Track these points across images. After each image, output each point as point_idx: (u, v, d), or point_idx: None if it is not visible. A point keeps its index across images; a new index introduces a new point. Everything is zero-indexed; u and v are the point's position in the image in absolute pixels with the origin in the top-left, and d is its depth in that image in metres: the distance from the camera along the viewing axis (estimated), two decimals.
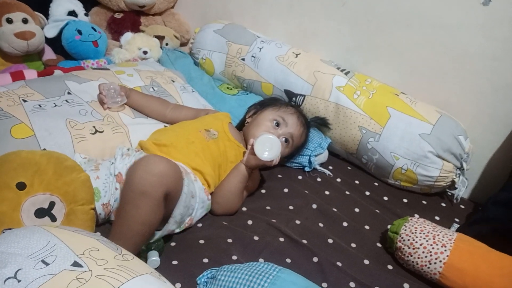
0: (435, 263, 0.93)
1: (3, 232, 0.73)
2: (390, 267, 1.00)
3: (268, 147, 1.03)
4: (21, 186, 0.82)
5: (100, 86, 1.15)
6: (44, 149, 0.98)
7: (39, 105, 1.08)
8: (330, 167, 1.32)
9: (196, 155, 1.05)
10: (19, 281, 0.54)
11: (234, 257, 0.94)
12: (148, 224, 0.85)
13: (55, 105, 1.10)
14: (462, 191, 1.22)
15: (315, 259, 0.96)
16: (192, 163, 1.03)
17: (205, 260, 0.92)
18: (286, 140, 1.17)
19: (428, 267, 0.94)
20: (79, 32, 1.48)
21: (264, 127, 1.16)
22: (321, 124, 1.33)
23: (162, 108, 1.22)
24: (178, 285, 0.85)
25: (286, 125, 1.17)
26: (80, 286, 0.54)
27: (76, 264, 0.57)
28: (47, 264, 0.56)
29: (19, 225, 0.79)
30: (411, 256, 0.96)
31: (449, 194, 1.28)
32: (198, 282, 0.75)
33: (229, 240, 0.98)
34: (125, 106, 1.18)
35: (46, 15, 1.51)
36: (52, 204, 0.84)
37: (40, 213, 0.82)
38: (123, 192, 0.87)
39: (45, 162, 0.86)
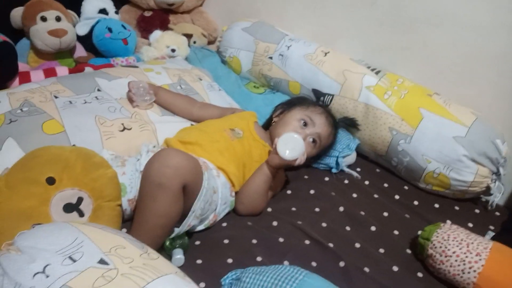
0: (468, 272, 0.89)
1: (32, 227, 0.74)
2: (420, 274, 0.97)
3: (290, 145, 1.01)
4: (50, 181, 0.83)
5: (129, 83, 1.16)
6: (74, 145, 0.99)
7: (70, 102, 1.09)
8: (358, 169, 1.29)
9: (220, 154, 1.05)
10: (47, 276, 0.55)
11: (259, 259, 0.93)
12: (166, 216, 0.86)
13: (85, 102, 1.11)
14: (498, 197, 1.16)
15: (342, 264, 0.94)
16: (216, 162, 1.03)
17: (229, 261, 0.91)
18: (314, 141, 1.15)
19: (461, 277, 0.90)
20: (109, 30, 1.50)
21: (291, 126, 1.14)
22: (350, 124, 1.30)
23: (189, 106, 1.22)
24: (202, 284, 0.84)
25: (313, 125, 1.15)
26: (106, 284, 0.54)
27: (102, 261, 0.57)
28: (74, 260, 0.57)
29: (48, 220, 0.80)
30: (443, 264, 0.92)
31: (483, 200, 1.23)
32: (223, 283, 0.74)
33: (254, 241, 0.97)
34: (153, 104, 1.19)
35: (78, 13, 1.53)
36: (80, 200, 0.85)
37: (69, 208, 0.84)
38: (141, 185, 0.89)
39: (74, 158, 0.88)
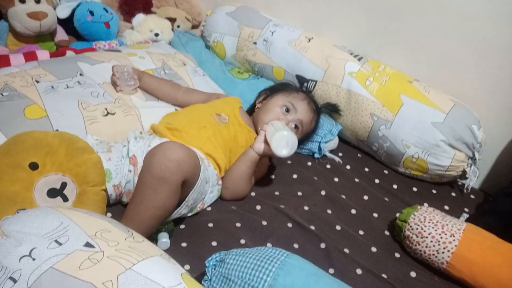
0: (443, 252, 0.93)
1: (17, 213, 0.74)
2: (397, 255, 1.01)
3: (284, 143, 1.01)
4: (33, 166, 0.83)
5: (113, 68, 1.15)
6: (57, 130, 0.99)
7: (52, 86, 1.08)
8: (340, 154, 1.32)
9: (208, 140, 1.06)
10: (33, 259, 0.55)
11: (243, 241, 0.95)
12: (164, 209, 0.88)
13: (68, 87, 1.10)
14: (473, 181, 1.21)
15: (323, 245, 0.97)
16: (204, 148, 1.04)
17: (214, 244, 0.93)
18: (296, 127, 1.16)
19: (436, 256, 0.94)
20: (91, 13, 1.48)
21: (274, 113, 1.15)
22: (332, 110, 1.32)
23: (174, 91, 1.22)
24: (187, 266, 0.86)
25: (295, 111, 1.16)
26: (92, 266, 0.55)
27: (88, 244, 0.58)
28: (60, 244, 0.58)
29: (32, 205, 0.81)
30: (419, 245, 0.96)
31: (460, 184, 1.27)
32: (207, 264, 0.76)
33: (238, 225, 0.99)
34: (137, 89, 1.19)
35: None
36: (64, 185, 0.85)
37: (53, 193, 0.84)
38: (141, 176, 0.89)
39: (57, 143, 0.87)
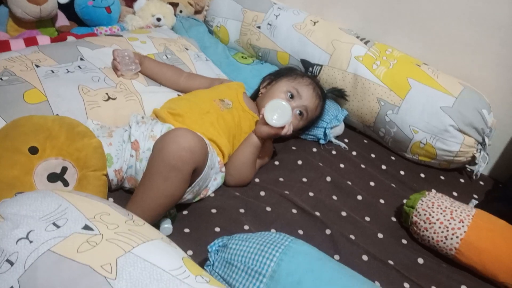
0: (451, 238, 0.91)
1: (15, 196, 0.73)
2: (404, 241, 0.99)
3: (278, 112, 1.00)
4: (33, 150, 0.81)
5: (114, 52, 1.13)
6: (57, 115, 0.97)
7: (52, 71, 1.06)
8: (346, 140, 1.29)
9: (211, 125, 1.04)
10: (30, 242, 0.54)
11: (246, 227, 0.93)
12: (172, 197, 0.86)
13: (68, 71, 1.08)
14: (483, 167, 1.18)
15: (328, 232, 0.95)
16: (207, 134, 1.02)
17: (217, 229, 0.92)
18: (300, 113, 1.14)
19: (444, 243, 0.92)
20: None
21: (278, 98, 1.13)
22: (338, 95, 1.30)
23: (176, 76, 1.20)
24: (190, 252, 0.85)
25: (300, 97, 1.13)
26: (91, 249, 0.53)
27: (87, 227, 0.57)
28: (58, 226, 0.56)
29: (32, 189, 0.79)
30: (427, 231, 0.94)
31: (469, 170, 1.25)
32: (209, 250, 0.75)
33: (241, 210, 0.97)
34: (138, 74, 1.16)
35: None
36: (64, 169, 0.84)
37: (53, 177, 0.82)
38: (152, 163, 0.87)
39: (57, 127, 0.86)
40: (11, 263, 0.52)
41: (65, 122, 0.89)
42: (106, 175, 0.90)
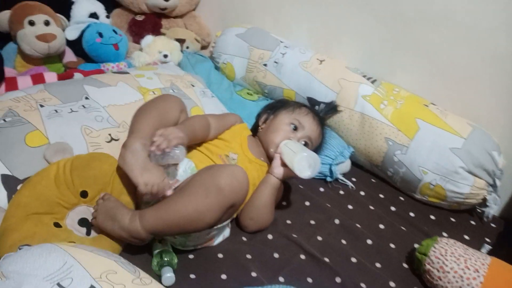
0: None
1: (19, 249, 0.70)
2: None
3: (307, 164, 0.98)
4: (84, 194, 0.89)
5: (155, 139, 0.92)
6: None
7: (55, 110, 1.05)
8: (354, 179, 1.27)
9: None
10: None
11: (254, 274, 0.90)
12: (199, 217, 0.83)
13: (72, 111, 1.07)
14: (494, 209, 1.16)
15: (338, 280, 0.92)
16: None
17: (223, 276, 0.89)
18: (306, 144, 1.12)
19: None
20: (100, 34, 1.47)
21: (282, 132, 1.10)
22: (332, 109, 1.29)
23: (206, 135, 1.08)
24: None
25: (303, 128, 1.12)
26: None
27: None
28: (63, 287, 0.54)
29: (62, 221, 0.86)
30: (441, 280, 0.91)
31: (479, 211, 1.22)
32: None
33: (248, 256, 0.95)
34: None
35: (68, 17, 1.49)
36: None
37: (84, 222, 0.89)
38: (200, 178, 0.87)
39: (112, 181, 0.92)
40: None
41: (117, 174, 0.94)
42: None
